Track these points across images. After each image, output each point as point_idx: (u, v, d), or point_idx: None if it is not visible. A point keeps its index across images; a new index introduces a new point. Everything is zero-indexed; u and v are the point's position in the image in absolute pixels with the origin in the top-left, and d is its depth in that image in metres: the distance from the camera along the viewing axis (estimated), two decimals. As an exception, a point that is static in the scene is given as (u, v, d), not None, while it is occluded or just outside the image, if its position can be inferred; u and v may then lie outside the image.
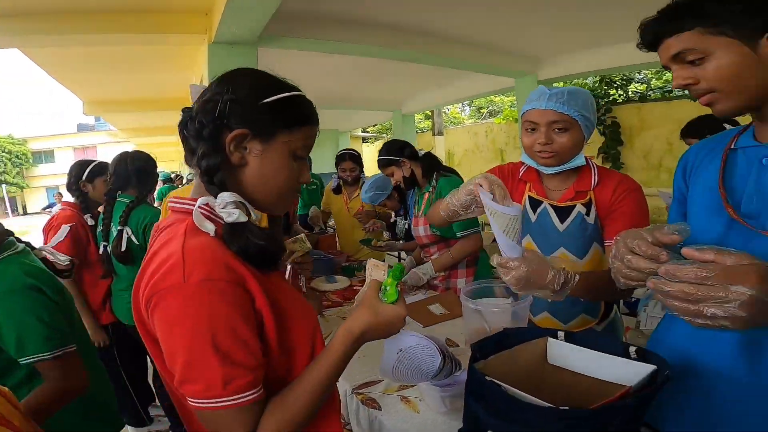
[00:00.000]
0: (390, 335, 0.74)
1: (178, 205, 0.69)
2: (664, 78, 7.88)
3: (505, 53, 5.18)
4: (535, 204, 1.37)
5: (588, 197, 1.29)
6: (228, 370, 0.58)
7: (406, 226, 2.48)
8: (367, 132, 14.75)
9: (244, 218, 0.64)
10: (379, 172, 2.25)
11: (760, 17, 0.65)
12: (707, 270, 0.53)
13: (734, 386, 0.72)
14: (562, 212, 1.32)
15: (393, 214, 2.88)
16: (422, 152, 2.12)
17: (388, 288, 0.74)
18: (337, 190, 3.13)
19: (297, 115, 0.70)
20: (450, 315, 1.62)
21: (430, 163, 2.07)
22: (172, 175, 9.54)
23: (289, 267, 1.18)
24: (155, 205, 2.56)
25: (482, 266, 2.08)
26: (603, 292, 1.15)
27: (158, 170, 2.33)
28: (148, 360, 2.27)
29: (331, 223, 3.51)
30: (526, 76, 5.73)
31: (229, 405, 0.58)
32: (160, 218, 1.82)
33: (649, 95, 6.97)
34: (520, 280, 0.88)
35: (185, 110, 0.70)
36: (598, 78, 7.61)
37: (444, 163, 2.16)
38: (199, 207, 0.65)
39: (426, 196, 2.06)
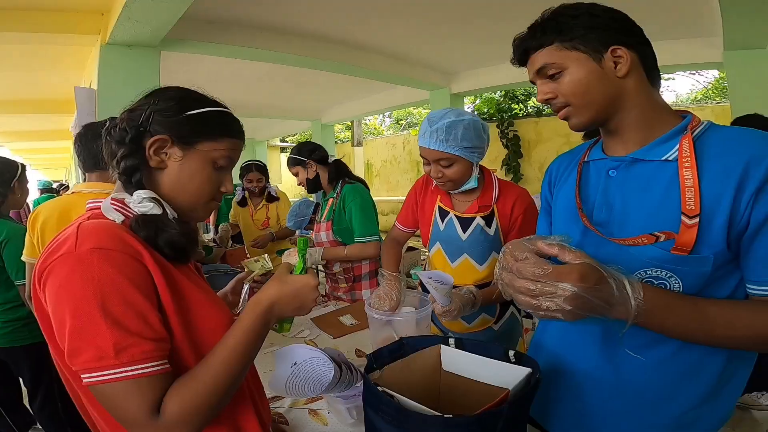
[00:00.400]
0: (303, 308, 0.74)
1: (92, 204, 0.72)
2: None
3: (420, 66, 5.39)
4: (443, 214, 1.48)
5: (491, 210, 1.41)
6: (119, 336, 0.55)
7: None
8: (286, 141, 14.42)
9: (157, 210, 0.69)
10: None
11: (604, 34, 0.72)
12: (542, 269, 0.60)
13: (600, 386, 0.80)
14: (465, 223, 1.44)
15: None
16: (332, 158, 2.13)
17: (297, 264, 0.80)
18: (242, 203, 3.03)
19: (219, 127, 0.76)
20: (360, 326, 1.63)
21: (338, 170, 2.09)
22: (55, 185, 8.23)
23: (246, 286, 1.14)
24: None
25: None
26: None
27: (40, 179, 2.06)
28: (21, 382, 2.03)
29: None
30: (440, 89, 6.00)
31: (125, 377, 0.55)
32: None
33: (544, 110, 7.70)
34: (457, 315, 1.22)
35: (110, 118, 0.76)
36: (503, 92, 8.25)
37: (362, 174, 2.19)
38: (111, 199, 0.70)
39: (330, 202, 2.07)
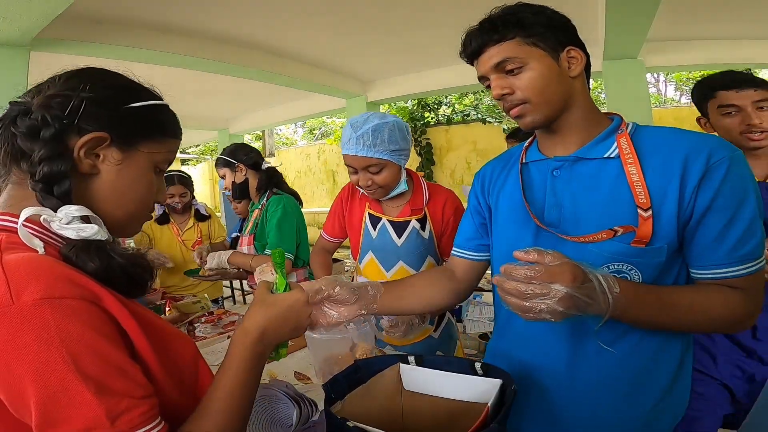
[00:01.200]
0: (299, 329, 0.68)
1: None
2: (464, 103, 9.32)
3: (336, 73, 5.33)
4: (374, 221, 1.43)
5: (423, 213, 1.39)
6: (109, 401, 0.45)
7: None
8: (188, 153, 13.41)
9: (104, 235, 0.54)
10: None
11: (561, 34, 0.75)
12: (534, 271, 0.59)
13: (569, 386, 0.81)
14: (399, 227, 1.40)
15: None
16: (267, 165, 1.95)
17: (276, 281, 0.70)
18: (162, 220, 2.60)
19: (163, 125, 0.64)
20: (295, 346, 1.51)
21: (269, 178, 1.91)
22: None
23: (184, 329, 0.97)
24: None
25: None
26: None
27: None
28: None
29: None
30: (357, 97, 6.00)
31: None
32: None
33: (454, 118, 8.12)
34: (403, 333, 1.22)
35: (13, 103, 0.57)
36: (416, 101, 8.54)
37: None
38: (23, 224, 0.51)
39: (255, 213, 1.90)
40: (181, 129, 0.68)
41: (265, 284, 0.70)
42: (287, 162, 11.01)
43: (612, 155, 0.75)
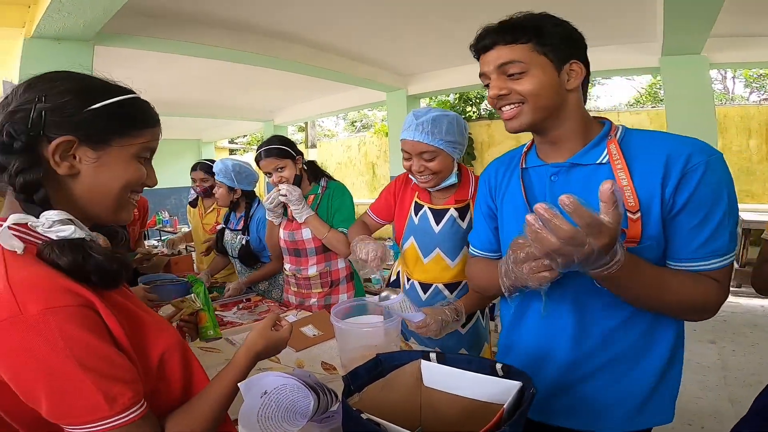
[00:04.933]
0: (277, 352, 0.84)
1: None
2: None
3: (378, 67, 5.35)
4: (418, 208, 1.50)
5: (466, 203, 1.43)
6: (107, 386, 0.55)
7: (243, 242, 2.23)
8: (236, 143, 13.90)
9: (81, 234, 0.60)
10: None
11: (571, 47, 0.79)
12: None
13: (577, 369, 0.87)
14: (438, 214, 1.45)
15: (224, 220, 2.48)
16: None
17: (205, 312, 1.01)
18: (193, 203, 2.82)
19: (132, 119, 0.66)
20: (324, 336, 1.54)
21: (314, 167, 2.03)
22: None
23: (174, 325, 1.06)
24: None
25: (358, 280, 2.05)
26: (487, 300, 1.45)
27: None
28: None
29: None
30: (397, 90, 5.99)
31: (121, 423, 0.56)
32: None
33: (496, 113, 7.88)
34: (436, 332, 1.16)
35: None
36: (458, 95, 8.41)
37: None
38: (9, 226, 0.58)
39: (311, 198, 1.91)
40: (155, 116, 0.70)
41: (273, 317, 0.88)
42: (327, 153, 11.19)
43: (603, 161, 0.80)
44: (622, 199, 0.68)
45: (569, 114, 0.82)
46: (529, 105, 0.79)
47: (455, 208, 1.42)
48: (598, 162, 0.80)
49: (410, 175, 1.45)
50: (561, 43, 0.78)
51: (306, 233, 1.90)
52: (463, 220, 1.41)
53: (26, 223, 0.59)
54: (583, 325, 0.85)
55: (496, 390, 0.68)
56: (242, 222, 2.30)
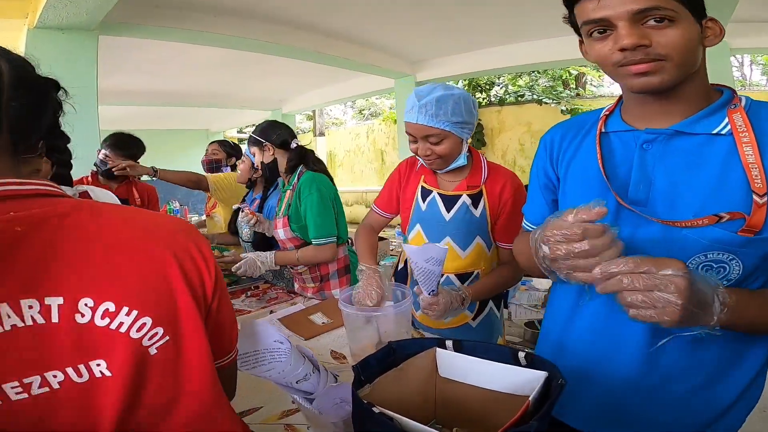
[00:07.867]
0: None
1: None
2: (518, 84, 8.90)
3: (386, 54, 5.27)
4: (426, 193, 1.40)
5: (479, 190, 1.34)
6: None
7: (255, 229, 2.07)
8: (244, 133, 13.88)
9: None
10: None
11: (703, 4, 0.66)
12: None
13: (630, 382, 0.76)
14: (449, 201, 1.36)
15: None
16: (295, 143, 1.85)
17: None
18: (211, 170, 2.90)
19: None
20: (333, 324, 1.51)
21: (300, 157, 1.82)
22: None
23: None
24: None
25: (355, 274, 1.98)
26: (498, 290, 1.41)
27: None
28: None
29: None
30: (406, 77, 5.90)
31: None
32: None
33: (506, 99, 7.77)
34: (439, 314, 1.16)
35: None
36: (467, 81, 8.28)
37: (326, 164, 1.96)
38: None
39: (288, 194, 1.81)
40: None
41: None
42: (336, 142, 11.14)
43: (722, 132, 0.67)
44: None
45: (697, 74, 0.69)
46: (672, 61, 0.64)
47: (468, 195, 1.33)
48: (713, 132, 0.67)
49: (417, 158, 1.36)
50: None
51: (280, 233, 1.82)
52: (476, 208, 1.33)
53: None
54: (656, 332, 0.72)
55: (519, 380, 0.64)
56: (255, 203, 2.24)
